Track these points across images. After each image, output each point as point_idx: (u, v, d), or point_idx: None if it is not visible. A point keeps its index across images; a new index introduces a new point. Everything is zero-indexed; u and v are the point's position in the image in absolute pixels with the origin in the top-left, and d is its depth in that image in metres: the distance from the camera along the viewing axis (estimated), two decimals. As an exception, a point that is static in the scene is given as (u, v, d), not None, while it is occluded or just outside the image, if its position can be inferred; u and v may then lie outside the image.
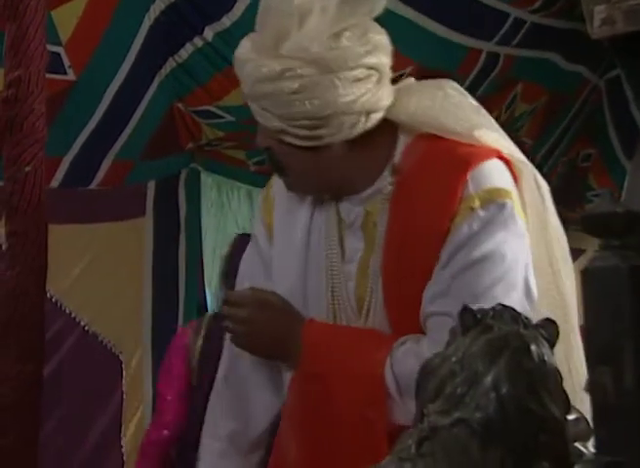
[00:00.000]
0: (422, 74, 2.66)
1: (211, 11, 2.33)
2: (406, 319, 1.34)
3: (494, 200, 1.32)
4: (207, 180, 2.72)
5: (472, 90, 2.84)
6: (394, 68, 2.08)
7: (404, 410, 1.27)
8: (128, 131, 2.37)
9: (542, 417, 0.83)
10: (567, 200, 3.91)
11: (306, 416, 1.37)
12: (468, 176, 1.32)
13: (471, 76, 2.77)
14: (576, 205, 3.85)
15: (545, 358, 0.85)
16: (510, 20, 2.62)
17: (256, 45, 1.33)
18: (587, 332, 0.77)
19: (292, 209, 1.46)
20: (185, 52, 2.39)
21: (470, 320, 0.87)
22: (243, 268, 1.53)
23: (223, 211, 2.86)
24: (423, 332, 1.33)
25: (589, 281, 0.77)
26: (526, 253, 1.33)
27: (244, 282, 1.54)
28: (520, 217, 1.33)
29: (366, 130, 1.33)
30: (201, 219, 2.65)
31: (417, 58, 2.53)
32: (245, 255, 1.54)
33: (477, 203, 1.31)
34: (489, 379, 0.83)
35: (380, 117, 1.34)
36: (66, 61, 2.13)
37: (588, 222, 0.78)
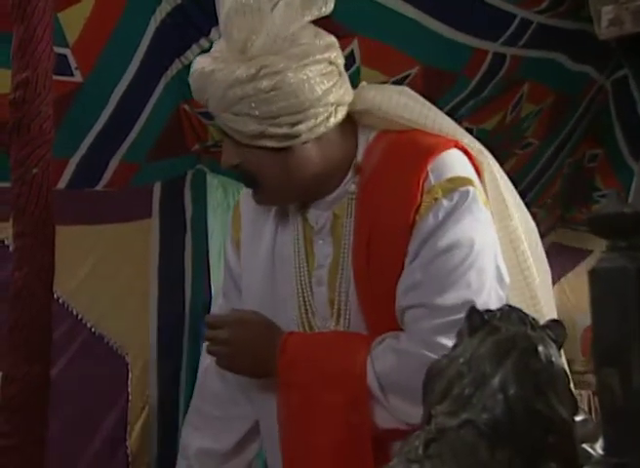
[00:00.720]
0: (428, 75, 2.66)
1: (217, 12, 2.33)
2: (382, 318, 1.35)
3: (456, 188, 1.34)
4: (213, 182, 2.71)
5: (479, 90, 2.85)
6: (400, 69, 2.09)
7: (388, 411, 1.26)
8: (134, 132, 2.37)
9: (550, 418, 0.83)
10: (573, 200, 3.91)
11: (292, 427, 1.37)
12: (429, 168, 1.35)
13: (477, 77, 2.77)
14: (582, 205, 3.84)
15: (553, 359, 0.86)
16: (517, 21, 2.62)
17: (218, 55, 1.38)
18: (594, 334, 0.77)
19: (257, 223, 1.50)
20: (192, 53, 2.39)
21: (478, 321, 0.87)
22: (218, 285, 1.57)
23: (229, 212, 2.86)
24: (401, 329, 1.32)
25: (596, 282, 0.77)
26: (493, 239, 1.33)
27: (218, 298, 1.56)
28: (484, 205, 1.34)
29: (335, 124, 1.34)
30: (207, 221, 2.65)
31: (422, 59, 2.53)
32: (222, 271, 1.57)
33: (440, 193, 1.34)
34: (496, 381, 0.83)
35: (345, 111, 1.38)
36: (73, 63, 2.13)
37: (595, 223, 0.78)
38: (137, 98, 2.34)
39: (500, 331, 0.86)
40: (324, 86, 1.34)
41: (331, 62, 1.36)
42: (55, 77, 1.52)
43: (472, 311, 0.87)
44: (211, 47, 2.42)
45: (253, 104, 1.32)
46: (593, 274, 0.77)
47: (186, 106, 2.50)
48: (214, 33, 2.36)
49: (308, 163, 1.39)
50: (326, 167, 1.41)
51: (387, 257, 1.35)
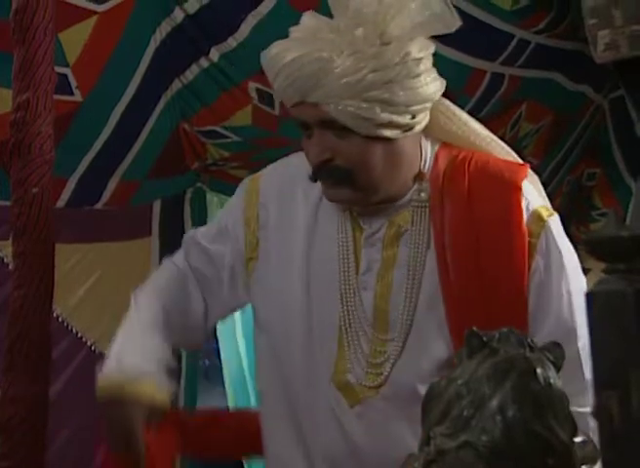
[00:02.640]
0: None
1: (217, 32, 2.36)
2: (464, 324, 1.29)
3: (551, 214, 1.35)
4: (212, 200, 2.72)
5: (477, 110, 2.86)
6: None
7: None
8: (134, 151, 2.38)
9: (549, 441, 0.83)
10: (572, 219, 3.91)
11: None
12: (523, 190, 1.34)
13: (476, 96, 2.79)
14: (581, 224, 3.84)
15: (551, 381, 0.86)
16: (515, 41, 2.64)
17: (352, 39, 1.26)
18: (593, 356, 0.77)
19: (285, 214, 1.43)
20: (191, 73, 2.41)
21: (476, 343, 0.87)
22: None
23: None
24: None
25: (595, 304, 0.77)
26: None
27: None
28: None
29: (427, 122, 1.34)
30: (206, 239, 2.65)
31: (421, 79, 2.55)
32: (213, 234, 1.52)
33: (545, 213, 1.33)
34: (495, 402, 0.83)
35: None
36: (73, 82, 2.15)
37: (593, 246, 0.78)
38: (136, 117, 2.35)
39: (498, 353, 0.86)
40: (435, 80, 1.33)
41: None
42: (55, 96, 1.53)
43: (471, 333, 0.87)
44: (211, 66, 2.47)
45: (394, 90, 1.26)
46: (591, 297, 0.77)
47: (186, 125, 2.52)
48: (213, 52, 2.38)
49: (403, 159, 1.34)
50: (409, 167, 1.36)
51: (498, 271, 1.30)
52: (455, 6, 2.49)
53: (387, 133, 1.29)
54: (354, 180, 1.31)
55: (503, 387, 0.84)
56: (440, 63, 2.69)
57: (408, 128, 1.30)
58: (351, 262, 1.37)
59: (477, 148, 1.41)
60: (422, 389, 1.13)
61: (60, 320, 2.23)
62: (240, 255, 1.46)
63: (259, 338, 1.48)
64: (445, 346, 1.30)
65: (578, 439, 0.89)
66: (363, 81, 1.25)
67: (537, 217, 1.32)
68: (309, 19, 1.34)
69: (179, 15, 2.28)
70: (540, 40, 2.69)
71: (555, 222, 1.34)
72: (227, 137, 2.57)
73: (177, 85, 2.42)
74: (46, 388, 1.48)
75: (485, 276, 1.30)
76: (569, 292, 1.32)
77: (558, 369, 0.89)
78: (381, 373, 1.33)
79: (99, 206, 2.38)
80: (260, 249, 1.44)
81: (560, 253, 1.32)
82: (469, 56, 2.62)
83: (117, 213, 2.42)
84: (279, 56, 1.30)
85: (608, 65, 1.01)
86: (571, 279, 1.33)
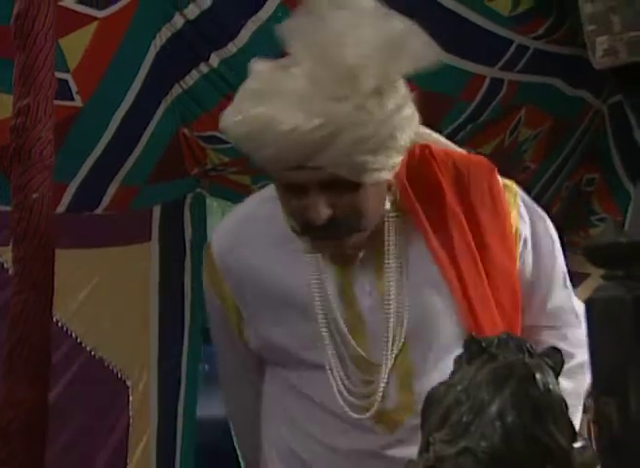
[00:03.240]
0: (426, 99, 2.68)
1: (217, 37, 2.36)
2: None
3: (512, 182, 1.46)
4: (212, 205, 2.73)
5: (477, 115, 2.87)
6: None
7: None
8: (134, 156, 2.38)
9: (548, 446, 0.83)
10: (571, 224, 3.91)
11: None
12: (497, 179, 1.42)
13: (475, 101, 2.79)
14: (580, 229, 3.85)
15: (550, 386, 0.86)
16: (514, 47, 2.65)
17: (345, 93, 1.20)
18: (592, 363, 0.77)
19: (258, 270, 1.40)
20: (191, 78, 2.42)
21: (475, 349, 0.88)
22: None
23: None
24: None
25: (593, 311, 0.78)
26: None
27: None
28: None
29: None
30: (206, 244, 2.66)
31: (420, 83, 2.55)
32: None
33: (510, 183, 1.44)
34: (494, 408, 0.84)
35: None
36: (74, 88, 2.15)
37: (592, 253, 0.79)
38: (136, 123, 2.36)
39: (497, 358, 0.87)
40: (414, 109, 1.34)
41: None
42: (55, 102, 1.53)
43: (470, 339, 0.88)
44: (211, 72, 2.48)
45: (397, 136, 1.24)
46: (590, 303, 0.77)
47: (186, 130, 2.52)
48: (213, 58, 2.38)
49: (385, 190, 1.34)
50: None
51: (499, 266, 1.37)
52: (453, 12, 2.52)
53: (386, 175, 1.28)
54: (360, 226, 1.29)
55: (503, 393, 0.84)
56: (439, 69, 2.70)
57: (394, 168, 1.29)
58: (340, 296, 1.35)
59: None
60: None
61: (59, 325, 2.23)
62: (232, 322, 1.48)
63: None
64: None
65: (577, 444, 0.89)
66: (371, 136, 1.20)
67: (509, 189, 1.43)
68: (270, 68, 1.29)
69: (179, 20, 2.28)
70: (538, 45, 2.70)
71: (518, 189, 1.45)
72: (227, 143, 2.57)
73: (177, 90, 2.42)
74: (45, 393, 1.48)
75: (485, 257, 1.36)
76: (553, 240, 1.47)
77: (557, 374, 0.89)
78: (412, 391, 1.33)
79: (99, 211, 2.38)
80: (243, 307, 1.44)
81: (536, 209, 1.45)
82: (468, 61, 2.62)
83: (117, 218, 2.42)
84: (269, 125, 1.19)
85: (606, 72, 1.01)
86: (551, 230, 1.46)
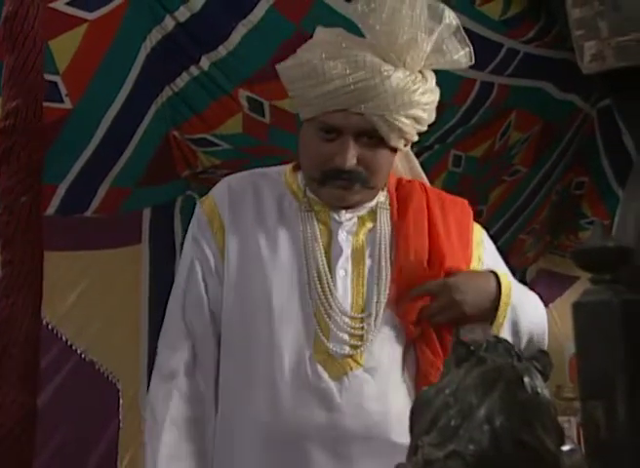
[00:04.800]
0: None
1: (207, 40, 2.36)
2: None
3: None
4: (202, 207, 2.72)
5: (467, 118, 2.88)
6: None
7: None
8: (124, 158, 2.38)
9: (537, 450, 0.83)
10: (561, 227, 3.93)
11: None
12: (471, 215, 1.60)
13: (466, 105, 2.80)
14: (570, 232, 3.86)
15: (539, 390, 0.86)
16: (504, 51, 2.66)
17: (400, 61, 1.42)
18: (579, 367, 0.78)
19: (241, 219, 1.51)
20: (182, 80, 2.42)
21: (464, 352, 0.88)
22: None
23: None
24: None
25: (581, 315, 0.78)
26: None
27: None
28: None
29: None
30: (197, 246, 2.65)
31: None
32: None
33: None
34: (482, 412, 0.84)
35: None
36: (63, 90, 2.15)
37: (579, 257, 0.79)
38: (127, 125, 2.35)
39: (486, 362, 0.87)
40: None
41: None
42: (45, 104, 1.53)
43: (458, 343, 0.88)
44: (201, 74, 2.48)
45: (427, 110, 1.46)
46: (577, 307, 0.78)
47: (176, 133, 2.52)
48: (204, 61, 2.38)
49: (393, 167, 1.55)
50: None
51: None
52: (444, 15, 2.51)
53: (402, 145, 1.48)
54: (372, 183, 1.47)
55: (491, 396, 0.84)
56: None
57: (410, 142, 1.51)
58: (320, 250, 1.47)
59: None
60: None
61: (49, 327, 2.23)
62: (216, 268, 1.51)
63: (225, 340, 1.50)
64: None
65: (565, 447, 0.89)
66: (412, 100, 1.41)
67: (477, 227, 1.60)
68: (343, 33, 1.48)
69: (169, 23, 2.28)
70: (528, 49, 2.71)
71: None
72: (218, 145, 2.58)
73: (167, 93, 2.42)
74: (34, 397, 1.48)
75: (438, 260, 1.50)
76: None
77: (546, 378, 0.89)
78: (361, 346, 1.42)
79: (88, 213, 2.38)
80: (227, 251, 1.50)
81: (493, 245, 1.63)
82: (459, 65, 2.63)
83: (107, 220, 2.41)
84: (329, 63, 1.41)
85: (594, 77, 1.02)
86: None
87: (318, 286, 1.44)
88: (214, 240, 1.51)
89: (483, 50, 2.66)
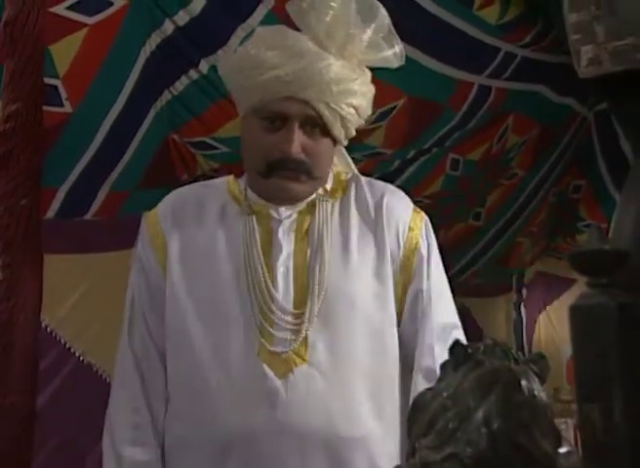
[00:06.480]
0: (414, 106, 2.70)
1: (206, 44, 2.37)
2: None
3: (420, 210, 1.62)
4: (201, 210, 2.72)
5: (465, 122, 2.89)
6: (387, 100, 2.19)
7: None
8: (124, 162, 2.39)
9: (533, 453, 0.84)
10: (558, 230, 3.94)
11: None
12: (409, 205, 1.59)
13: (463, 108, 2.81)
14: (567, 235, 3.87)
15: (536, 393, 0.86)
16: (501, 55, 2.67)
17: (340, 53, 1.46)
18: (575, 369, 0.78)
19: (183, 229, 1.51)
20: (181, 84, 2.42)
21: (461, 355, 0.88)
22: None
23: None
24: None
25: (577, 318, 0.78)
26: None
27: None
28: None
29: None
30: (195, 249, 2.66)
31: (409, 91, 2.57)
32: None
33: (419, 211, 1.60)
34: (480, 414, 0.84)
35: None
36: (63, 94, 2.15)
37: (576, 260, 0.79)
38: (126, 129, 2.36)
39: (483, 365, 0.87)
40: None
41: None
42: (45, 108, 1.54)
43: (456, 345, 0.88)
44: (200, 78, 2.49)
45: (364, 101, 1.49)
46: (574, 310, 0.78)
47: (176, 136, 2.52)
48: (203, 64, 2.39)
49: (332, 161, 1.58)
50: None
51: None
52: (442, 20, 2.53)
53: (342, 137, 1.50)
54: (314, 175, 1.48)
55: (488, 399, 0.85)
56: (428, 76, 2.73)
57: (349, 136, 1.53)
58: (258, 250, 1.46)
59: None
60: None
61: (48, 330, 2.23)
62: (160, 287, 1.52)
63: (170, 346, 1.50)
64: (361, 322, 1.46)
65: (562, 449, 0.90)
66: (353, 89, 1.46)
67: (417, 214, 1.58)
68: (283, 28, 1.50)
69: (168, 27, 2.29)
70: (525, 53, 2.72)
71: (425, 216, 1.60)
72: (216, 148, 2.59)
73: (166, 96, 2.43)
74: (33, 399, 1.48)
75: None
76: (437, 265, 1.57)
77: (543, 380, 0.90)
78: (299, 340, 1.42)
79: (88, 216, 2.38)
80: (168, 269, 1.50)
81: (433, 237, 1.59)
82: (456, 68, 2.64)
83: (106, 223, 2.42)
84: (285, 49, 1.44)
85: (590, 81, 1.03)
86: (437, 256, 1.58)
87: (258, 286, 1.44)
88: (155, 257, 1.52)
89: (480, 54, 2.68)
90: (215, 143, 2.56)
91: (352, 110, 1.46)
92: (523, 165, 3.35)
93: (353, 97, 1.46)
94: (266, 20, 2.27)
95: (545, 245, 3.98)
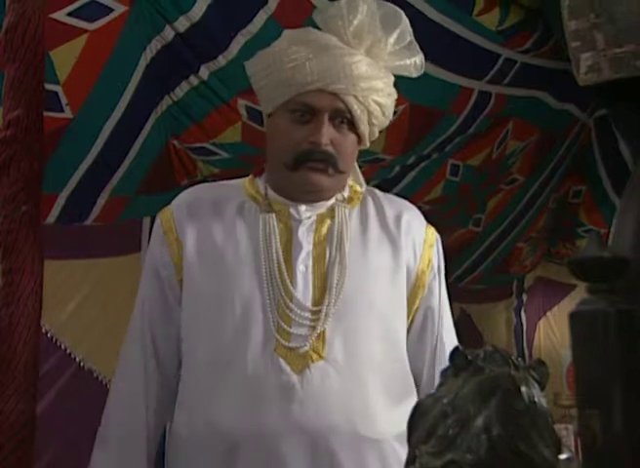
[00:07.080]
0: (415, 112, 2.70)
1: (206, 50, 2.37)
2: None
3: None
4: (202, 216, 2.72)
5: (465, 127, 2.89)
6: None
7: None
8: (124, 167, 2.39)
9: (534, 459, 0.84)
10: (558, 235, 3.94)
11: None
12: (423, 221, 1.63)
13: (464, 114, 2.81)
14: (567, 240, 3.88)
15: (536, 399, 0.86)
16: (501, 61, 2.67)
17: (367, 52, 1.50)
18: (575, 376, 0.78)
19: (201, 227, 1.52)
20: (181, 90, 2.43)
21: (462, 362, 0.88)
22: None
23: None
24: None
25: (577, 324, 0.79)
26: None
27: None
28: None
29: None
30: (195, 255, 2.66)
31: (410, 97, 2.57)
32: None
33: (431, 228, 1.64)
34: (480, 421, 0.84)
35: None
36: (64, 100, 2.16)
37: (576, 267, 0.80)
38: (126, 134, 2.36)
39: (483, 371, 0.87)
40: None
41: None
42: (45, 113, 1.53)
43: (456, 352, 0.88)
44: (200, 84, 2.49)
45: (389, 100, 1.52)
46: (573, 317, 0.78)
47: (176, 142, 2.53)
48: (203, 70, 2.40)
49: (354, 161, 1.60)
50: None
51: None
52: (442, 26, 2.54)
53: (367, 134, 1.52)
54: (339, 167, 1.50)
55: (488, 406, 0.85)
56: (428, 82, 2.73)
57: (372, 137, 1.55)
58: (278, 248, 1.48)
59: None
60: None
61: (48, 336, 2.23)
62: (173, 284, 1.53)
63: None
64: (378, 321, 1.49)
65: (562, 456, 0.90)
66: (379, 87, 1.49)
67: (431, 231, 1.62)
68: (310, 29, 1.55)
69: (169, 33, 2.29)
70: (525, 59, 2.72)
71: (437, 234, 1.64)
72: (216, 154, 2.59)
73: (167, 102, 2.43)
74: (33, 405, 1.48)
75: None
76: (444, 282, 1.63)
77: (542, 387, 0.90)
78: (317, 337, 1.44)
79: (88, 222, 2.39)
80: (185, 265, 1.51)
81: (442, 255, 1.63)
82: (457, 74, 2.64)
83: (107, 229, 2.42)
84: (320, 43, 1.48)
85: (590, 88, 1.03)
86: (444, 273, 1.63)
87: (278, 282, 1.46)
88: (168, 252, 1.53)
89: (480, 60, 2.68)
90: (215, 149, 2.57)
91: (378, 107, 1.49)
92: (523, 170, 3.36)
93: (380, 95, 1.48)
94: (267, 26, 2.27)
95: (545, 250, 3.98)
